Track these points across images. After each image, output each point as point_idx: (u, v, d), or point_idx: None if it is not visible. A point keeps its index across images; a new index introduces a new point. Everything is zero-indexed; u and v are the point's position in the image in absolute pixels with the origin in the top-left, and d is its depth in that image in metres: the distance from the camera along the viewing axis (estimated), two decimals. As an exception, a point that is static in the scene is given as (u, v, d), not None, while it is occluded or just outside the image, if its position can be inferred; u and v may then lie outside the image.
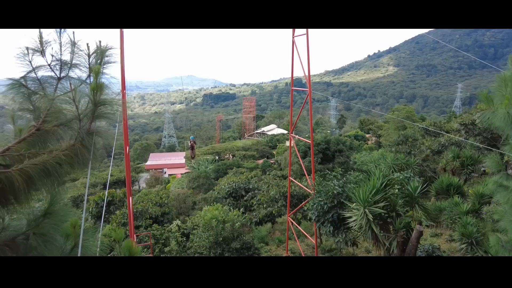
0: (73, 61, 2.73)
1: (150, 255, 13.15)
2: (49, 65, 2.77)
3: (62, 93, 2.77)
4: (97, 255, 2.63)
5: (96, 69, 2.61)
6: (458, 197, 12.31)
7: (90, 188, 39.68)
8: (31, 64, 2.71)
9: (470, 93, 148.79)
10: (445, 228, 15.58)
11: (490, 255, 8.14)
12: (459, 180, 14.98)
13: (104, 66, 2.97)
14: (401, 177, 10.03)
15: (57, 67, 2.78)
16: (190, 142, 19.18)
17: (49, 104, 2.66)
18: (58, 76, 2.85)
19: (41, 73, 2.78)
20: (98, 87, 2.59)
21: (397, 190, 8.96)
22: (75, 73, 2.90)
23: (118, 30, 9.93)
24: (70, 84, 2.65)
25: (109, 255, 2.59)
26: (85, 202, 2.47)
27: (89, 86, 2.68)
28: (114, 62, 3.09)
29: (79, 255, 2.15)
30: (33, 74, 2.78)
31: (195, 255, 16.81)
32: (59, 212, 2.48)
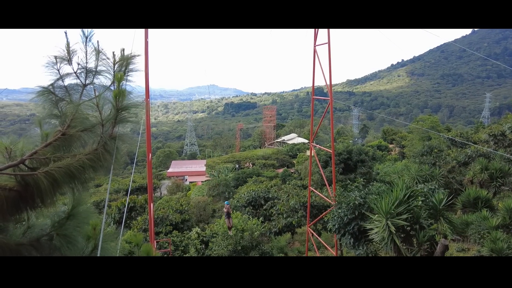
0: (98, 69, 2.84)
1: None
2: (75, 72, 2.88)
3: (86, 100, 2.87)
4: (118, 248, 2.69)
5: (118, 76, 2.70)
6: (487, 211, 11.80)
7: (113, 194, 40.64)
8: (59, 72, 2.83)
9: (500, 103, 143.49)
10: (473, 243, 14.91)
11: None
12: (487, 193, 14.37)
13: (128, 74, 3.06)
14: (425, 189, 9.74)
15: (83, 74, 2.89)
16: (226, 208, 15.07)
17: (74, 110, 2.75)
18: (84, 83, 2.96)
19: (68, 80, 2.90)
20: (120, 93, 2.67)
21: (420, 202, 8.70)
22: (100, 80, 3.01)
23: (143, 37, 10.23)
24: (95, 90, 2.74)
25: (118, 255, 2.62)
26: (105, 205, 2.53)
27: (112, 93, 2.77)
28: (137, 71, 3.19)
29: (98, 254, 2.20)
30: (60, 82, 2.90)
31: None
32: (81, 215, 2.55)
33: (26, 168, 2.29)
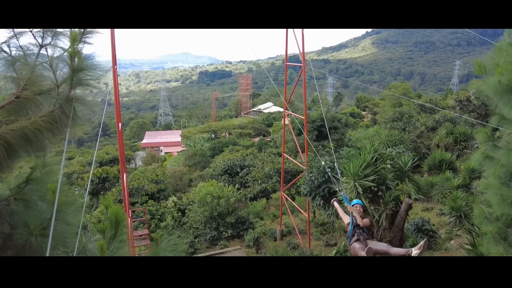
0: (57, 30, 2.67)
1: (146, 230, 13.36)
2: (31, 31, 2.71)
3: (43, 61, 2.73)
4: (81, 222, 2.67)
5: (73, 35, 2.56)
6: (450, 172, 12.47)
7: (86, 166, 39.73)
8: (13, 29, 2.65)
9: (468, 71, 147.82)
10: (436, 203, 15.86)
11: (476, 228, 8.35)
12: (451, 155, 15.13)
13: (87, 35, 2.91)
14: (393, 153, 10.12)
15: (40, 34, 2.72)
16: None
17: (30, 72, 2.62)
18: (40, 44, 2.80)
19: (23, 40, 2.73)
20: (75, 53, 2.55)
21: (389, 166, 9.06)
22: (63, 42, 2.84)
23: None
24: (47, 50, 2.60)
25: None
26: (62, 166, 2.49)
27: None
28: (100, 33, 3.02)
29: (53, 220, 2.17)
30: (15, 40, 2.72)
31: (191, 230, 17.11)
32: (42, 179, 2.50)
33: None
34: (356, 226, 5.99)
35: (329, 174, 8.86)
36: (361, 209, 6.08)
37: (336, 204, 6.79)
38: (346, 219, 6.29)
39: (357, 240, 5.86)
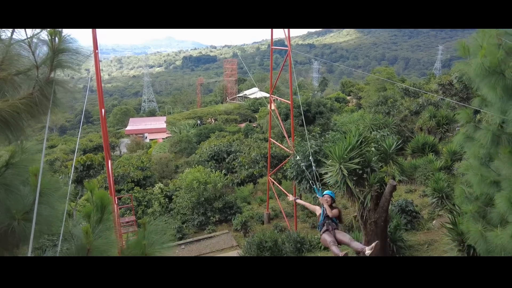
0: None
1: (133, 216, 13.30)
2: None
3: (19, 40, 2.61)
4: (65, 209, 2.62)
5: (51, 13, 2.45)
6: (433, 155, 12.76)
7: (69, 154, 38.96)
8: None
9: (451, 55, 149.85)
10: (419, 185, 16.26)
11: (457, 207, 8.62)
12: (434, 138, 15.45)
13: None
14: (378, 136, 10.26)
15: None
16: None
17: (5, 51, 2.51)
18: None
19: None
20: (56, 33, 2.45)
21: (373, 149, 9.20)
22: None
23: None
24: (25, 30, 2.49)
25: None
26: (44, 146, 2.42)
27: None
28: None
29: (36, 203, 2.12)
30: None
31: (178, 216, 17.12)
32: (22, 163, 2.43)
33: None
34: (326, 216, 6.42)
35: (317, 157, 8.98)
36: (330, 200, 6.45)
37: (299, 201, 7.47)
38: (317, 210, 6.72)
39: (327, 230, 6.33)
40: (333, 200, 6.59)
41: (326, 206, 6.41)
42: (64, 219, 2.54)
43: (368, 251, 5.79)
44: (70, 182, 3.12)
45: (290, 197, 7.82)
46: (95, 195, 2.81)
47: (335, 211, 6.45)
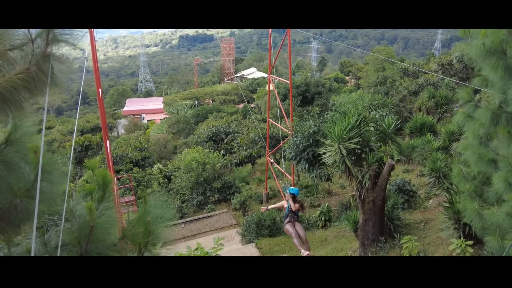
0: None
1: (132, 196, 13.39)
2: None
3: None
4: (67, 189, 2.62)
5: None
6: (431, 135, 12.79)
7: (66, 135, 38.82)
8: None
9: (451, 35, 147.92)
10: (417, 165, 16.38)
11: (454, 186, 8.71)
12: (432, 119, 15.45)
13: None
14: (377, 115, 10.22)
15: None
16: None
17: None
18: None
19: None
20: (50, 6, 2.36)
21: (372, 128, 9.18)
22: None
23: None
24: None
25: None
26: (44, 121, 2.39)
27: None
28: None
29: (39, 181, 2.11)
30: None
31: (178, 195, 17.26)
32: (22, 140, 2.40)
33: None
34: (290, 210, 8.07)
35: (315, 138, 8.99)
36: (292, 196, 8.10)
37: (270, 207, 9.62)
38: (284, 204, 8.46)
39: (289, 221, 8.04)
40: (295, 196, 8.15)
41: (290, 201, 7.96)
42: (66, 197, 2.54)
43: (303, 253, 7.46)
44: (70, 162, 3.11)
45: (263, 209, 10.23)
46: (96, 173, 2.80)
47: (296, 205, 8.05)
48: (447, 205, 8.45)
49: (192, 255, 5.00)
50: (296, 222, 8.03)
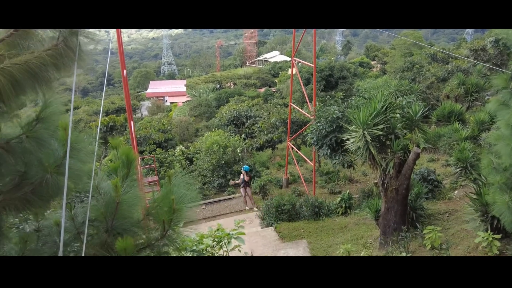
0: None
1: (155, 176, 13.68)
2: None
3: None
4: (93, 167, 2.66)
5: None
6: (459, 124, 12.30)
7: (91, 115, 39.87)
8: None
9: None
10: (443, 154, 15.84)
11: (483, 177, 8.38)
12: (461, 107, 14.83)
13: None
14: (403, 102, 9.90)
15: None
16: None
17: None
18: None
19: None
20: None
21: (398, 115, 8.91)
22: None
23: None
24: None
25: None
26: (72, 99, 2.42)
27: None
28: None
29: (67, 158, 2.13)
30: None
31: (199, 177, 17.52)
32: (52, 117, 2.44)
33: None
34: (243, 180, 13.95)
35: (339, 123, 8.80)
36: (245, 172, 13.94)
37: (232, 182, 15.77)
38: (241, 176, 14.15)
39: (243, 186, 14.05)
40: (247, 171, 14.02)
41: (245, 176, 13.80)
42: (93, 174, 2.59)
43: (248, 207, 13.60)
44: (96, 141, 3.16)
45: (232, 182, 15.91)
46: (121, 151, 2.83)
47: (247, 177, 13.87)
48: (475, 196, 8.16)
49: (213, 236, 5.07)
50: (247, 187, 14.09)
